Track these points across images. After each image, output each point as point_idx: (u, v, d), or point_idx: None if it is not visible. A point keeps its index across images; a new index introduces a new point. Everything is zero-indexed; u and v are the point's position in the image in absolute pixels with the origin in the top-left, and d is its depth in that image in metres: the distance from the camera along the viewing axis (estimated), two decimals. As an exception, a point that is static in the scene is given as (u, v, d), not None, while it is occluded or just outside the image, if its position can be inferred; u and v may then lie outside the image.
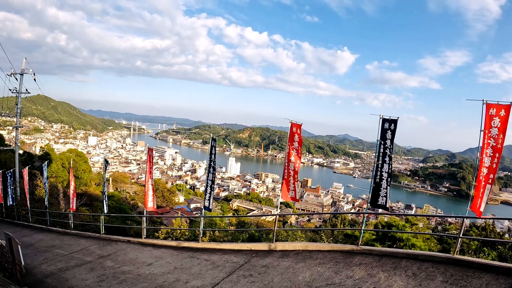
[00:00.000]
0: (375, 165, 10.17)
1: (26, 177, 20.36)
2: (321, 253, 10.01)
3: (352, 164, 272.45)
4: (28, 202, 20.44)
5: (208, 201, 12.63)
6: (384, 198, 9.92)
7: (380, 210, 10.55)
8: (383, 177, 9.96)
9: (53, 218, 20.48)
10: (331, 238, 15.68)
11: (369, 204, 10.38)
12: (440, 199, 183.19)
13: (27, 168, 20.87)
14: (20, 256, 9.45)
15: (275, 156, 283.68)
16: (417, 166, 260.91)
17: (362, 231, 10.75)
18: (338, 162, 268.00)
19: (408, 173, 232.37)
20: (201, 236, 12.87)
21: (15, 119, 27.69)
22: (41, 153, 52.19)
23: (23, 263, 9.58)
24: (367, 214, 11.93)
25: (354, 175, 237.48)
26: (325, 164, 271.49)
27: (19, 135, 29.10)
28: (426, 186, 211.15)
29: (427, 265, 8.12)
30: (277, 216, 12.47)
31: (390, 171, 9.80)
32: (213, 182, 12.58)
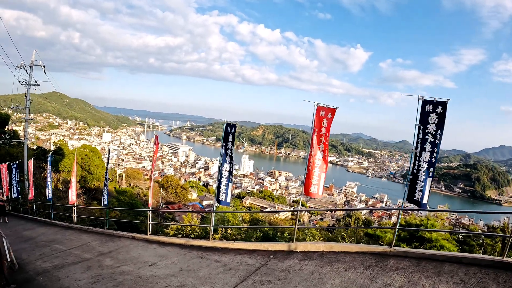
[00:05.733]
0: (412, 153, 8.72)
1: (31, 169, 19.55)
2: (349, 255, 8.60)
3: (365, 163, 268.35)
4: (33, 195, 19.63)
5: (224, 194, 11.33)
6: (421, 193, 8.48)
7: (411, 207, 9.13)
8: (421, 168, 8.52)
9: (58, 212, 19.62)
10: (352, 238, 14.27)
11: (405, 200, 8.91)
12: (454, 200, 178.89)
13: (32, 159, 20.07)
14: (6, 250, 8.44)
15: (289, 154, 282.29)
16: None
17: (397, 230, 9.24)
18: (351, 161, 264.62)
19: None
20: (212, 233, 11.57)
21: (31, 116, 27.18)
22: (54, 148, 52.07)
23: (8, 258, 8.73)
24: (402, 211, 10.41)
25: (367, 174, 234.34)
26: (338, 162, 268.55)
27: (34, 131, 28.75)
28: (440, 187, 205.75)
29: (474, 270, 6.75)
30: (298, 213, 11.03)
31: (432, 160, 8.37)
32: (230, 173, 11.27)
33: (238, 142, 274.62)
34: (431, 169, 8.46)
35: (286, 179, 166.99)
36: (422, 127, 8.48)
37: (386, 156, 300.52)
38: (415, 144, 8.63)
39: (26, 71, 25.84)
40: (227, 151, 11.35)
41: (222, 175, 11.30)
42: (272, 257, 9.20)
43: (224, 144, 11.37)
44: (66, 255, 11.07)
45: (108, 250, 11.37)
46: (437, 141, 8.31)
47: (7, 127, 44.21)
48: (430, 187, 8.59)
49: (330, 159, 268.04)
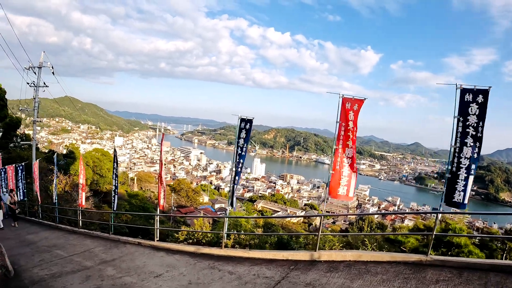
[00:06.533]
0: (451, 149, 7.57)
1: (36, 171, 18.85)
2: (380, 266, 7.53)
3: (377, 166, 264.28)
4: (39, 197, 18.94)
5: (231, 196, 10.39)
6: (462, 194, 7.42)
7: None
8: (462, 165, 7.41)
9: (64, 215, 18.86)
10: (375, 244, 13.04)
11: (443, 202, 7.77)
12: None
13: (37, 161, 19.42)
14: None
15: (300, 157, 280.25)
16: (444, 168, 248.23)
17: (434, 236, 8.06)
18: (363, 163, 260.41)
19: (435, 175, 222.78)
20: (225, 240, 10.51)
21: (44, 120, 26.80)
22: (65, 151, 51.98)
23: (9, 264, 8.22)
24: (440, 215, 9.20)
25: (379, 177, 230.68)
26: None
27: (47, 135, 28.45)
28: None
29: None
30: (321, 218, 9.91)
31: (474, 156, 7.32)
32: (237, 174, 10.35)
33: (250, 146, 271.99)
34: (473, 166, 7.38)
35: (298, 182, 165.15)
36: (462, 119, 7.47)
37: (398, 158, 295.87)
38: (454, 138, 7.57)
39: (35, 73, 25.43)
40: (238, 150, 10.34)
41: (237, 178, 10.34)
42: (293, 268, 8.19)
43: (237, 141, 10.37)
44: (66, 262, 10.17)
45: (111, 258, 10.42)
46: (479, 134, 7.28)
47: (18, 130, 44.29)
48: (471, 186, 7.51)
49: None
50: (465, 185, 7.39)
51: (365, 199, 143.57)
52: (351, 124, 9.11)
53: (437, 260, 7.35)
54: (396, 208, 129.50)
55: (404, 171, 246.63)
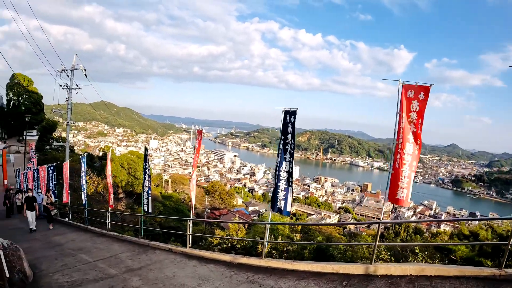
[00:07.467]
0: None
1: (66, 171, 18.38)
2: (447, 282, 6.23)
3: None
4: (68, 198, 18.45)
5: (283, 201, 9.09)
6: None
7: None
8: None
9: (93, 217, 18.21)
10: (425, 253, 11.15)
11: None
12: (506, 207, 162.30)
13: (68, 161, 19.01)
14: (3, 264, 6.93)
15: (334, 159, 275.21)
16: (482, 171, 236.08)
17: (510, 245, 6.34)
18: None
19: (472, 178, 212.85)
20: (265, 249, 9.11)
21: (80, 124, 27.11)
22: (101, 154, 52.96)
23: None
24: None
25: (415, 180, 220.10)
26: (385, 168, 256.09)
27: (84, 138, 28.75)
28: (491, 193, 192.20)
29: None
30: (379, 225, 8.31)
31: None
32: (290, 174, 9.01)
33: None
34: None
35: (332, 185, 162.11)
36: None
37: (435, 161, 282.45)
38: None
39: (68, 76, 25.59)
40: (286, 147, 9.02)
41: (280, 177, 8.96)
42: (346, 284, 6.85)
43: (282, 137, 9.03)
44: (90, 268, 9.19)
45: (138, 266, 9.30)
46: None
47: (54, 133, 45.70)
48: None
49: (376, 164, 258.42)
50: None
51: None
52: (413, 115, 7.60)
53: (512, 274, 6.00)
54: (432, 212, 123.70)
55: (441, 174, 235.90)
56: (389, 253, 10.85)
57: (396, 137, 7.81)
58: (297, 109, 8.97)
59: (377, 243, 7.63)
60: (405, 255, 11.55)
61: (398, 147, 7.84)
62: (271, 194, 9.60)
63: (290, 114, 9.02)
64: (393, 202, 8.15)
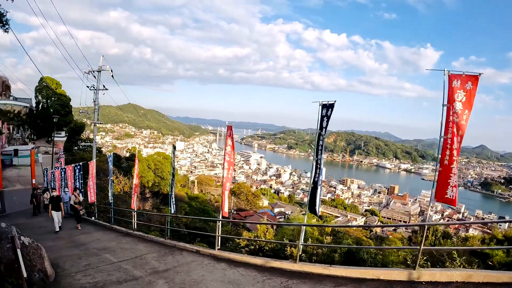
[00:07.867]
0: None
1: (93, 171, 18.31)
2: None
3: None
4: (94, 197, 18.37)
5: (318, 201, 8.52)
6: None
7: None
8: None
9: (119, 217, 18.04)
10: (464, 258, 10.09)
11: None
12: None
13: (94, 161, 18.96)
14: (20, 261, 6.42)
15: (361, 161, 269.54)
16: None
17: None
18: (426, 168, 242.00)
19: (502, 181, 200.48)
20: (300, 253, 8.36)
21: (108, 125, 27.34)
22: (128, 154, 53.74)
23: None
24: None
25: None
26: (412, 170, 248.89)
27: (111, 140, 28.96)
28: None
29: None
30: (425, 227, 7.40)
31: None
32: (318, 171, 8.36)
33: (309, 150, 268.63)
34: None
35: (358, 187, 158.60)
36: None
37: (463, 162, 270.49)
38: None
39: (95, 77, 25.86)
40: (319, 143, 8.52)
41: (320, 176, 8.44)
42: None
43: (319, 132, 8.68)
44: (114, 269, 8.77)
45: (164, 268, 8.78)
46: None
47: (82, 134, 46.73)
48: None
49: (403, 166, 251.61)
50: None
51: (427, 206, 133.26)
52: (459, 106, 6.97)
53: None
54: (460, 215, 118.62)
55: (469, 176, 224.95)
56: (424, 258, 9.95)
57: (443, 131, 7.17)
58: (335, 101, 8.46)
59: (422, 246, 6.86)
60: (441, 259, 10.63)
61: (446, 142, 7.20)
62: (309, 193, 8.96)
63: (327, 108, 8.54)
64: (443, 201, 7.52)
